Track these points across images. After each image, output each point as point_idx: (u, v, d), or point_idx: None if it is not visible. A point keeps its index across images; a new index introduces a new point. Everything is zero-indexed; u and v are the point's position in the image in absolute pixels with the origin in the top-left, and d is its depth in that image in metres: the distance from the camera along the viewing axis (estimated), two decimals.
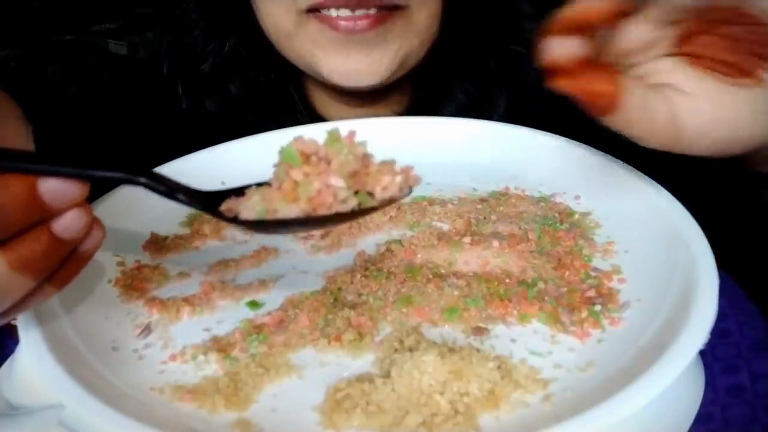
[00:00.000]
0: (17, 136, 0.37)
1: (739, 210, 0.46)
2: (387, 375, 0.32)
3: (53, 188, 0.27)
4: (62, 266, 0.30)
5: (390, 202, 0.32)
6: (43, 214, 0.27)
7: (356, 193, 0.31)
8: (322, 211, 0.30)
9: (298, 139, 0.31)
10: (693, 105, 0.34)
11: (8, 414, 0.31)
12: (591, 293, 0.37)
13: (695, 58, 0.35)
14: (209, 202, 0.32)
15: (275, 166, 0.32)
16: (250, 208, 0.31)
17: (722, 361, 0.36)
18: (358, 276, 0.40)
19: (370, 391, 0.31)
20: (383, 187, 0.32)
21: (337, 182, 0.30)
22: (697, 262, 0.35)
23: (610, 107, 0.33)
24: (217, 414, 0.31)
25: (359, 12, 0.51)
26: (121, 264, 0.42)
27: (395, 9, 0.53)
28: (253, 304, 0.39)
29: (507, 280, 0.39)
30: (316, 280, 0.40)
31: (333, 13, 0.52)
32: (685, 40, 0.35)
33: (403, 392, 0.31)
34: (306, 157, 0.31)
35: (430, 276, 0.39)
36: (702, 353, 0.31)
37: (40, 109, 0.52)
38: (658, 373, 0.28)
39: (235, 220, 0.32)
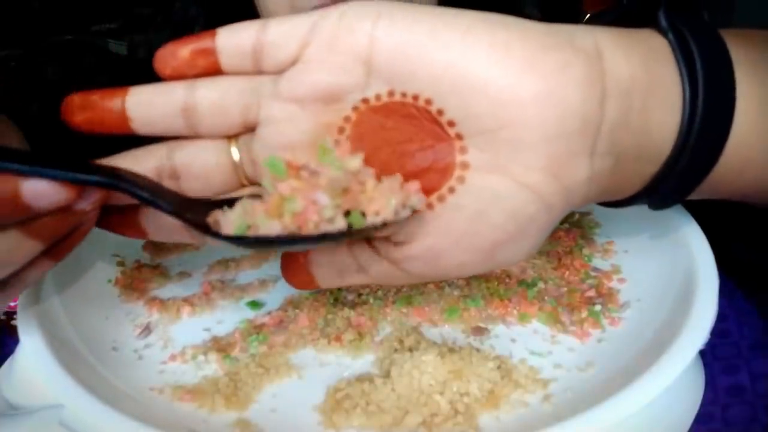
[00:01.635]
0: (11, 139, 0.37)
1: (738, 210, 0.46)
2: (387, 375, 0.32)
3: (35, 190, 0.26)
4: (63, 239, 0.29)
5: (384, 225, 0.28)
6: (28, 214, 0.27)
7: (348, 212, 0.28)
8: (308, 231, 0.27)
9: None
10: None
11: (8, 414, 0.31)
12: (591, 293, 0.38)
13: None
14: (200, 212, 0.30)
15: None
16: (230, 222, 0.28)
17: (722, 361, 0.36)
18: None
19: (370, 391, 0.31)
20: (375, 211, 0.28)
21: (323, 199, 0.27)
22: (697, 262, 0.34)
23: (310, 284, 0.33)
24: (217, 414, 0.31)
25: None
26: (121, 264, 0.42)
27: None
28: (253, 304, 0.39)
29: (507, 280, 0.39)
30: None
31: None
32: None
33: (403, 392, 0.31)
34: (295, 170, 0.28)
35: None
36: (702, 353, 0.31)
37: (40, 109, 0.52)
38: (658, 373, 0.28)
39: (217, 235, 0.29)
